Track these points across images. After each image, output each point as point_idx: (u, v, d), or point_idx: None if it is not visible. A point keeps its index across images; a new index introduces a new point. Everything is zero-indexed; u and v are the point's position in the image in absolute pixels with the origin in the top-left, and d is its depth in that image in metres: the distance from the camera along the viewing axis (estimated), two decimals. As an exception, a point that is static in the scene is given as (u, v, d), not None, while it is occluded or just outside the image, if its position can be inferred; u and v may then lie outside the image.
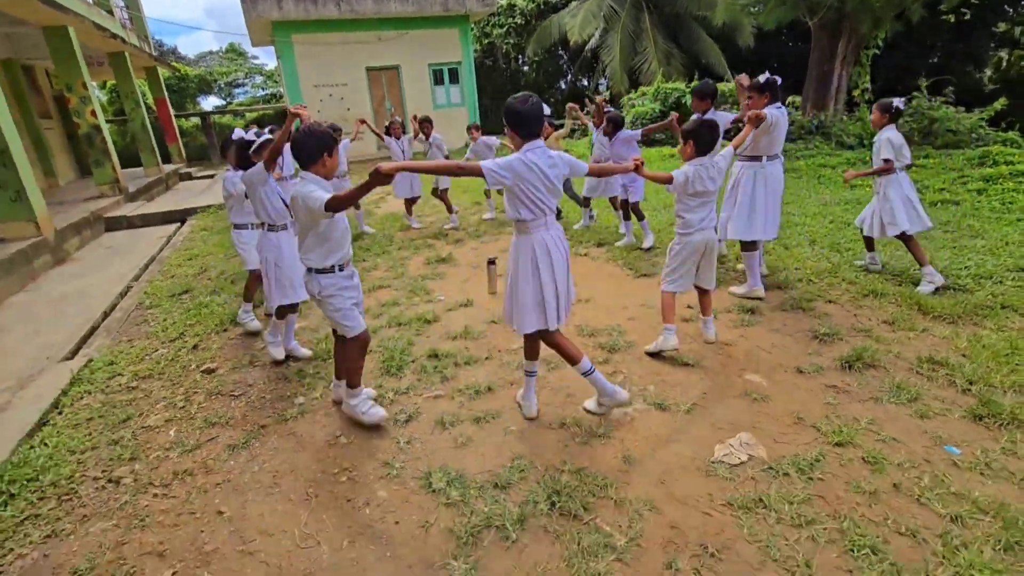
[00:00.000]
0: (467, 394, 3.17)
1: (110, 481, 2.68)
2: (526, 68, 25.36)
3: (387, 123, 7.30)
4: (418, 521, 2.25)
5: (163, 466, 2.76)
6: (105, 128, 10.08)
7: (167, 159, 16.89)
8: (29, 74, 13.00)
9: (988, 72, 19.29)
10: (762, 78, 4.02)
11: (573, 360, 2.77)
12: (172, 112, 17.38)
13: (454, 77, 17.54)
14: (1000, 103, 8.78)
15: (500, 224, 7.15)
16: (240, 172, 3.69)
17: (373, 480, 2.52)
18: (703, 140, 3.23)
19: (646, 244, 5.60)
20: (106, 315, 5.05)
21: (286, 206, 3.54)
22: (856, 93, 10.57)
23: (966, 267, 4.33)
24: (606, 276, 5.01)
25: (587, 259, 5.53)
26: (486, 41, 23.39)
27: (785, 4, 10.34)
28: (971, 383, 2.84)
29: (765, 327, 3.73)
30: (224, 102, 32.85)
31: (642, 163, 3.05)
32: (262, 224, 3.60)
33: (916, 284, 4.10)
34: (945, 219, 5.64)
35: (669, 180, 3.25)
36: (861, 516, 2.10)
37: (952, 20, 16.52)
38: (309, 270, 2.75)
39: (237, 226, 4.20)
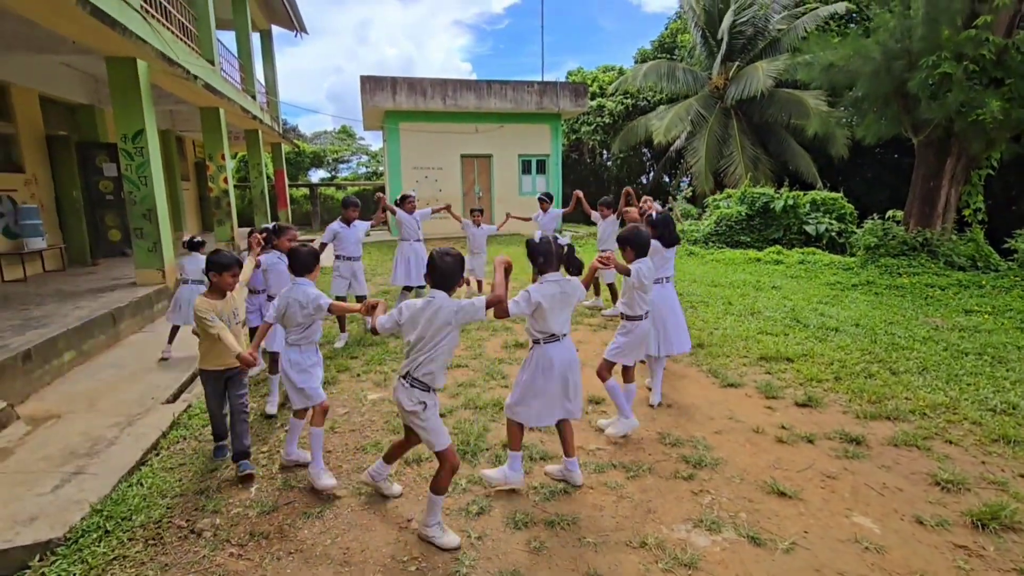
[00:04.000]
0: (542, 492, 3.05)
1: (192, 532, 2.75)
2: (609, 163, 26.38)
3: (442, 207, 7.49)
4: (487, 632, 2.11)
5: (242, 524, 2.81)
6: (232, 193, 11.41)
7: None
8: (179, 143, 15.17)
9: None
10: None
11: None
12: (287, 182, 19.46)
13: (541, 168, 18.53)
14: None
15: (578, 314, 7.16)
16: None
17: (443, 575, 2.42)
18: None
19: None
20: (207, 363, 5.43)
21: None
22: (967, 213, 9.99)
23: (1120, 421, 3.77)
24: (690, 382, 4.80)
25: (669, 362, 5.35)
26: (574, 137, 24.75)
27: (885, 120, 10.23)
28: None
29: (874, 462, 3.37)
30: (330, 175, 36.37)
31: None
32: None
33: (1057, 433, 3.61)
34: (1086, 360, 5.00)
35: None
36: None
37: (1073, 143, 15.61)
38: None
39: None
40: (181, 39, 8.58)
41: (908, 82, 9.03)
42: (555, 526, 2.76)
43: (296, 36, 18.09)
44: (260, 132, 14.89)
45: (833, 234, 12.20)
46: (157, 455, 3.52)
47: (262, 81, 16.69)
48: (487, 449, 3.54)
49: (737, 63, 18.88)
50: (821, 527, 2.76)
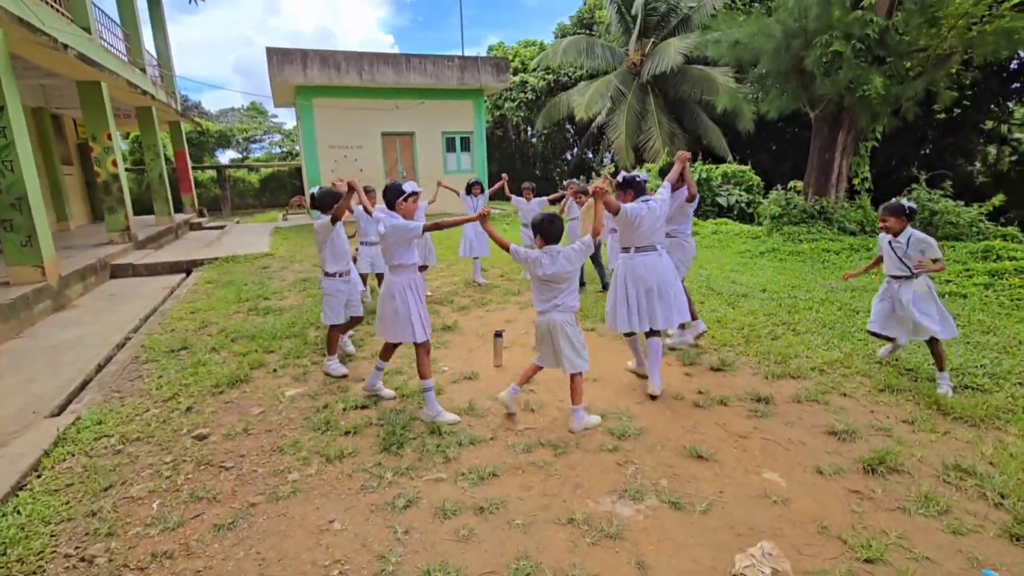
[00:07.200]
0: (470, 478, 3.01)
1: (82, 559, 2.48)
2: (534, 140, 26.41)
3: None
4: (414, 629, 2.06)
5: (141, 545, 2.56)
6: (123, 178, 10.32)
7: (180, 209, 17.22)
8: (56, 122, 13.48)
9: (978, 165, 20.04)
10: (620, 176, 4.14)
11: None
12: (190, 164, 17.91)
13: (466, 145, 18.21)
14: (999, 199, 9.03)
15: (505, 292, 7.14)
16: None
17: (367, 576, 2.33)
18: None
19: None
20: (100, 368, 4.92)
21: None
22: (856, 181, 10.90)
23: (981, 365, 4.27)
24: (614, 353, 4.92)
25: (594, 335, 5.46)
26: (498, 113, 24.49)
27: (785, 95, 10.86)
28: (1003, 497, 2.70)
29: (780, 419, 3.61)
30: (241, 156, 33.93)
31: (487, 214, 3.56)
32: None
33: (932, 380, 4.02)
34: (954, 312, 5.61)
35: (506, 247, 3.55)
36: (901, 650, 1.91)
37: (943, 116, 17.40)
38: None
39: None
40: (46, 2, 7.52)
41: (805, 59, 9.60)
42: (484, 511, 2.73)
43: (191, 3, 16.49)
44: (154, 109, 13.52)
45: (743, 205, 12.94)
46: (39, 477, 3.14)
47: (153, 53, 15.11)
48: (414, 439, 3.44)
49: (652, 40, 19.34)
50: (735, 486, 2.92)
